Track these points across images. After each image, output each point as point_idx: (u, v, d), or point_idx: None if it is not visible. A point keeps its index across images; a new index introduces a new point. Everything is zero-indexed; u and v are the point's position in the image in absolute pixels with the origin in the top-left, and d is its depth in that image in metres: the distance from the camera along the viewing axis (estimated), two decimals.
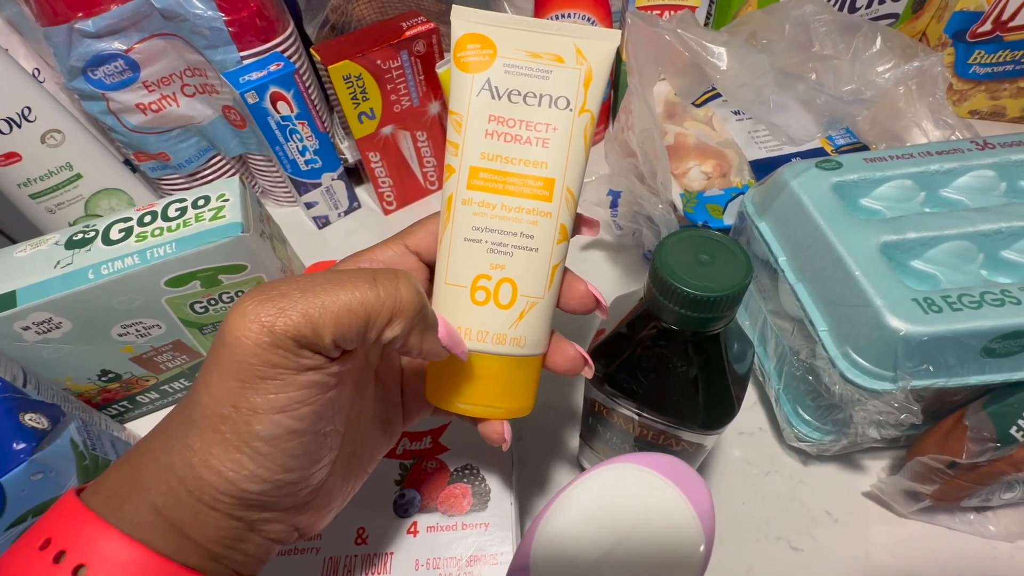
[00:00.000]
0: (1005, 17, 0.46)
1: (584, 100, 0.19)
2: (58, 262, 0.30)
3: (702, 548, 0.14)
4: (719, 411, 0.21)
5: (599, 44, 0.19)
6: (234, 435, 0.15)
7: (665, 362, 0.21)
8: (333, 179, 0.48)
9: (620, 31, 0.20)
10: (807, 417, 0.31)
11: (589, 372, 0.21)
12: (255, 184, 0.52)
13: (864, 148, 0.39)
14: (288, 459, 0.16)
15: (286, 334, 0.15)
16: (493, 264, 0.19)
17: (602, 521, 0.15)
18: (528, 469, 0.33)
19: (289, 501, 0.17)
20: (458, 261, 0.19)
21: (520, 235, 0.19)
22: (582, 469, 0.33)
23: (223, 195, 0.33)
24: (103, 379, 0.34)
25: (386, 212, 0.51)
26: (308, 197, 0.48)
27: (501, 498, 0.26)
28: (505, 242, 0.19)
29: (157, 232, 0.31)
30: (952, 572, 0.29)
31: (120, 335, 0.32)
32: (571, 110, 0.19)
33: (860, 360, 0.26)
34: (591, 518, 0.15)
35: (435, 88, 0.45)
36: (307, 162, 0.45)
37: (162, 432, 0.16)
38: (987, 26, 0.47)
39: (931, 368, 0.24)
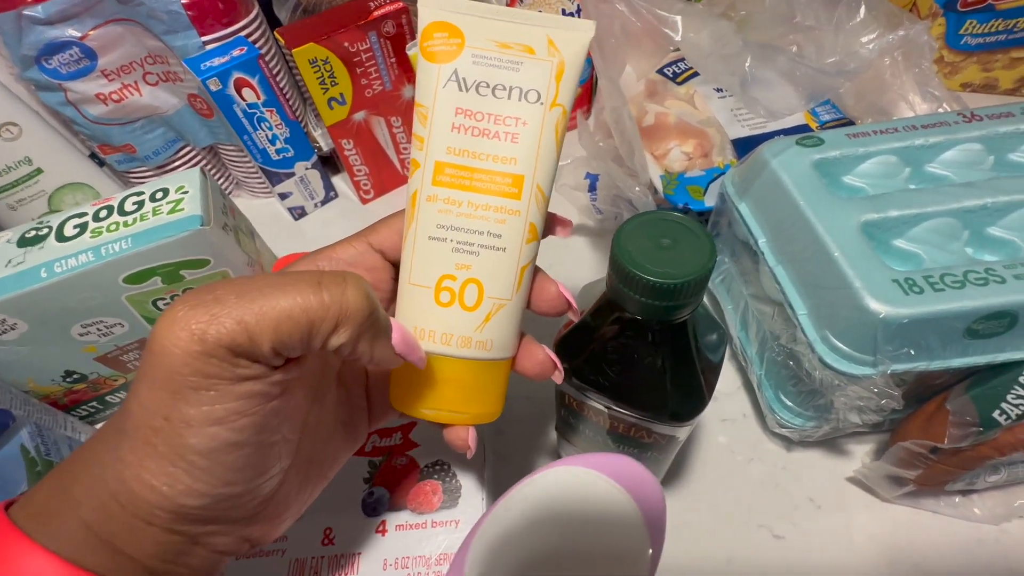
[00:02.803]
0: None
1: (556, 94, 0.18)
2: (9, 260, 0.29)
3: (649, 552, 0.14)
4: (689, 402, 0.21)
5: (572, 35, 0.18)
6: (167, 448, 0.14)
7: (631, 353, 0.20)
8: (307, 168, 0.47)
9: (594, 22, 0.19)
10: (789, 403, 0.30)
11: (559, 377, 0.20)
12: (228, 176, 0.51)
13: (850, 123, 0.38)
14: (228, 472, 0.15)
15: (219, 342, 0.14)
16: (458, 264, 0.18)
17: (544, 526, 0.15)
18: (507, 462, 0.32)
19: (235, 513, 0.16)
20: (422, 260, 0.19)
21: (487, 234, 0.18)
22: None
23: (182, 187, 0.31)
24: (68, 380, 0.33)
25: (363, 201, 0.50)
26: (282, 187, 0.47)
27: (472, 495, 0.26)
28: (471, 241, 0.18)
29: (113, 227, 0.30)
30: (937, 556, 0.28)
31: (81, 335, 0.31)
32: (542, 104, 0.18)
33: (839, 344, 0.25)
34: (532, 524, 0.15)
35: (407, 71, 0.43)
36: (278, 151, 0.44)
37: (95, 443, 0.16)
38: None
39: (912, 351, 0.24)
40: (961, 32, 0.48)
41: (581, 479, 0.15)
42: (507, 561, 0.14)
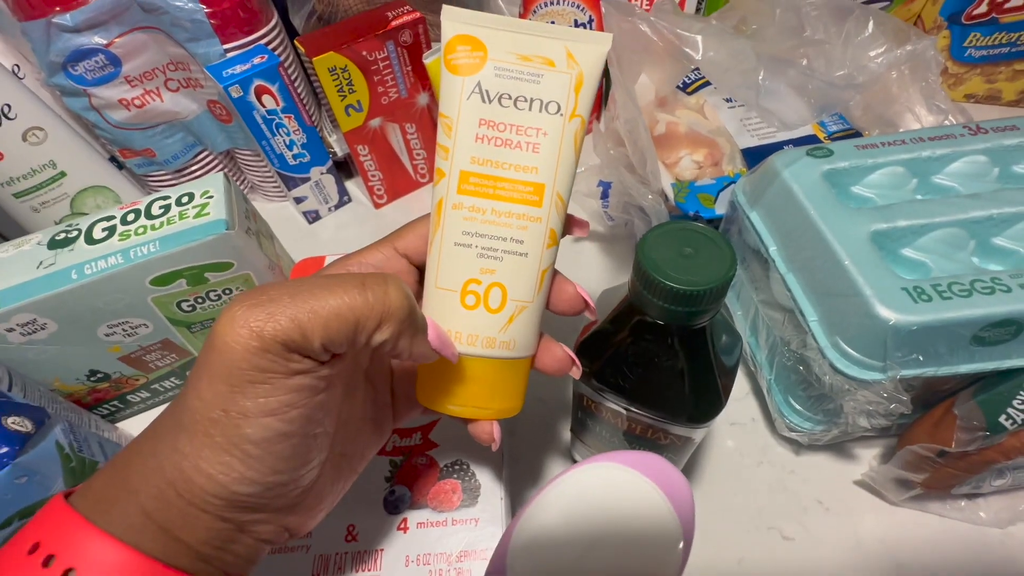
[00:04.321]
0: None
1: (575, 105, 0.19)
2: (41, 262, 0.29)
3: (680, 545, 0.14)
4: (706, 405, 0.21)
5: (590, 48, 0.19)
6: (224, 438, 0.15)
7: (651, 357, 0.21)
8: (322, 173, 0.47)
9: (611, 35, 0.19)
10: (798, 407, 0.31)
11: (577, 372, 0.21)
12: (244, 179, 0.51)
13: (857, 134, 0.39)
14: (277, 461, 0.16)
15: (275, 339, 0.15)
16: (483, 269, 0.19)
17: (580, 520, 0.15)
18: (521, 463, 0.33)
19: (279, 502, 0.17)
20: (448, 265, 0.19)
21: (510, 240, 0.19)
22: (574, 461, 0.33)
23: (207, 192, 0.32)
24: (92, 379, 0.34)
25: (377, 205, 0.50)
26: (297, 192, 0.47)
27: (491, 493, 0.26)
28: (495, 247, 0.19)
29: (140, 231, 0.30)
30: (943, 559, 0.29)
31: (107, 335, 0.32)
32: (562, 115, 0.19)
33: (850, 350, 0.25)
34: (568, 518, 0.15)
35: (423, 79, 0.44)
36: (295, 156, 0.45)
37: (151, 436, 0.16)
38: (982, 8, 0.46)
39: (921, 357, 0.24)
40: (965, 44, 0.49)
41: (614, 475, 0.16)
42: (545, 553, 0.15)
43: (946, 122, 0.35)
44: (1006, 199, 0.27)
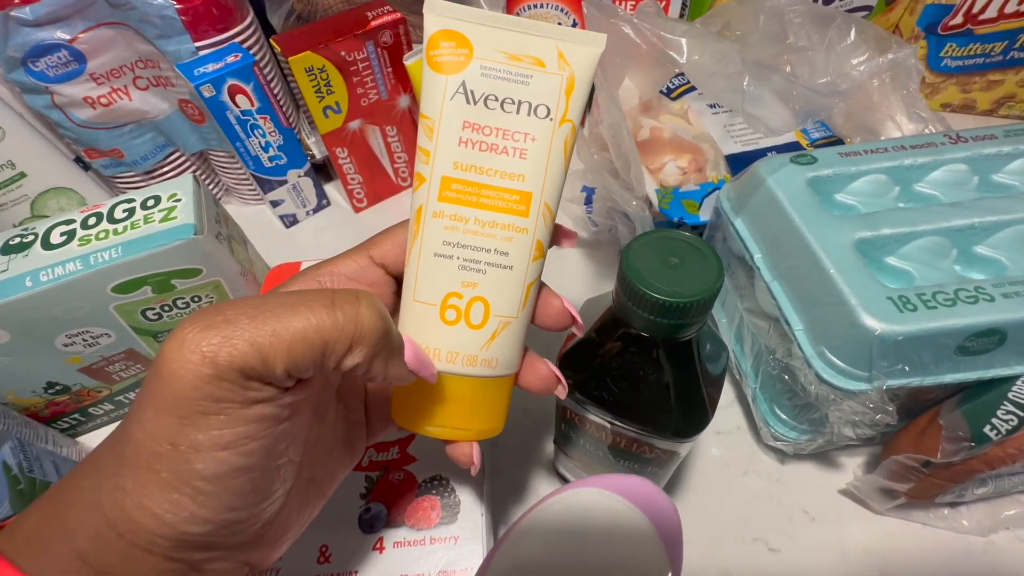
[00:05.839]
0: (975, 10, 0.46)
1: (565, 109, 0.18)
2: None
3: (669, 574, 0.14)
4: (692, 419, 0.21)
5: (583, 49, 0.18)
6: (172, 474, 0.14)
7: (635, 370, 0.20)
8: (300, 176, 0.46)
9: (605, 35, 0.18)
10: (783, 416, 0.30)
11: (562, 392, 0.20)
12: (218, 182, 0.50)
13: (839, 142, 0.39)
14: (234, 497, 0.14)
15: (231, 365, 0.13)
16: (465, 282, 0.18)
17: (563, 549, 0.14)
18: (503, 476, 0.32)
19: (237, 539, 0.16)
20: (427, 277, 0.18)
21: (494, 251, 0.18)
22: (558, 474, 0.32)
23: (175, 195, 0.31)
24: (50, 392, 0.32)
25: (356, 210, 0.49)
26: (274, 195, 0.46)
27: (472, 510, 0.25)
28: (478, 259, 0.18)
29: (102, 235, 0.29)
30: (927, 567, 0.29)
31: (66, 345, 0.30)
32: (551, 119, 0.18)
33: (835, 360, 0.25)
34: (551, 546, 0.15)
35: (404, 81, 0.43)
36: (271, 158, 0.43)
37: (92, 468, 0.15)
38: (958, 19, 0.47)
39: (906, 367, 0.24)
40: (941, 55, 0.49)
41: (595, 500, 0.15)
42: None
43: (926, 130, 0.35)
44: (987, 208, 0.27)
